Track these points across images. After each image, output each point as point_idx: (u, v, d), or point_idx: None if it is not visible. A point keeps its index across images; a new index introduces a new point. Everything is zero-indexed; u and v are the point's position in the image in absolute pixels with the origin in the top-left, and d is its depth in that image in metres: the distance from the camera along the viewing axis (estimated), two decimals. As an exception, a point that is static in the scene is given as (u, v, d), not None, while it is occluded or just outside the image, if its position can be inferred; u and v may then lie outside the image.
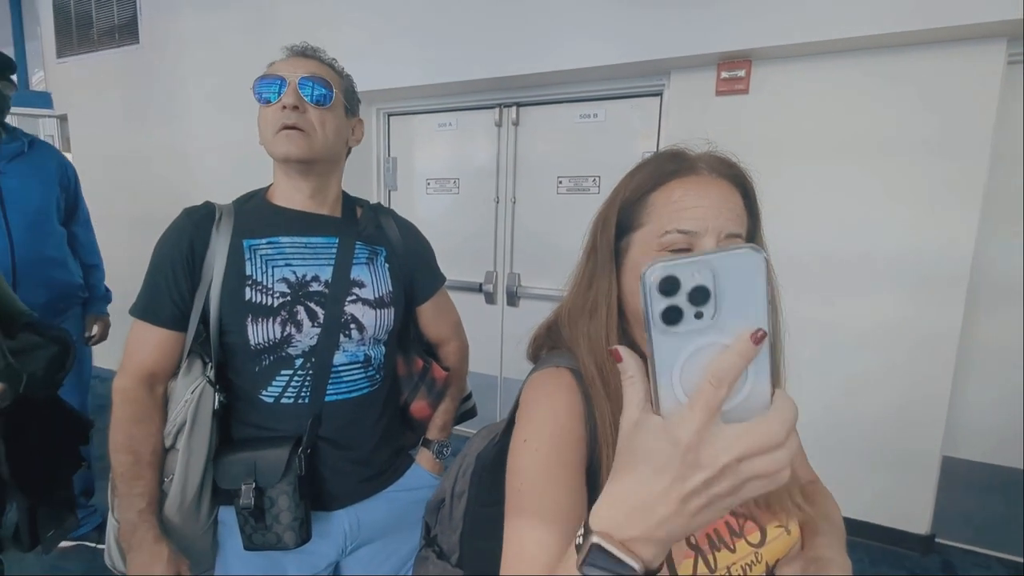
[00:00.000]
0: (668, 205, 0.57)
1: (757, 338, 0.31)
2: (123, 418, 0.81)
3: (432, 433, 1.07)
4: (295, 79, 0.84)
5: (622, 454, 0.36)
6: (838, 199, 2.02)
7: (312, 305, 0.86)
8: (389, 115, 3.02)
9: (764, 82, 2.07)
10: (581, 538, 0.36)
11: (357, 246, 0.93)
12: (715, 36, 2.00)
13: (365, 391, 0.93)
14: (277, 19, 2.97)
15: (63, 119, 3.95)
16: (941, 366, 1.98)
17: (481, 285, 2.87)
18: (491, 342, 2.90)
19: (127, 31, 3.50)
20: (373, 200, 1.08)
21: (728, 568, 0.53)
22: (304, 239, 0.89)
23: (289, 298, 0.85)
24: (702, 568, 0.53)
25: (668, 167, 0.59)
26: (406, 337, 1.05)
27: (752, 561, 0.56)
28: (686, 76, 2.21)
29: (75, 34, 3.74)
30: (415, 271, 1.02)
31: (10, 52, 4.16)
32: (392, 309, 0.95)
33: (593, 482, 0.54)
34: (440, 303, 1.08)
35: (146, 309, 0.83)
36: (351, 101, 0.95)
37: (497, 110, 2.71)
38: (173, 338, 0.84)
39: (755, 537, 0.57)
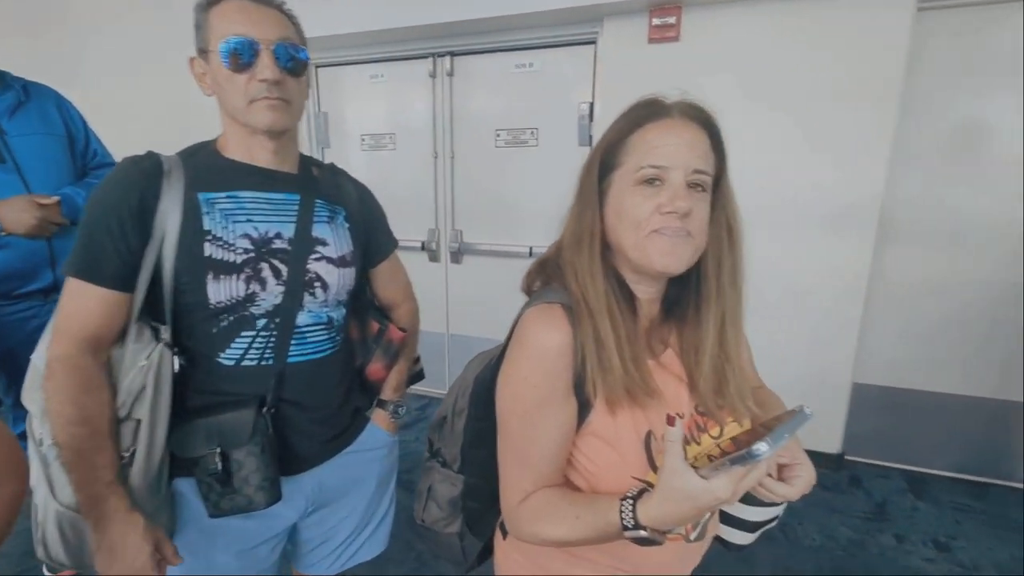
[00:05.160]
0: (643, 145, 0.65)
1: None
2: (70, 389, 0.74)
3: (387, 394, 1.07)
4: (269, 45, 0.78)
5: (666, 489, 0.55)
6: (764, 145, 2.10)
7: (276, 262, 0.83)
8: (317, 66, 2.85)
9: (694, 29, 2.09)
10: (631, 522, 0.57)
11: (318, 204, 0.90)
12: (646, -20, 1.99)
13: (328, 352, 0.92)
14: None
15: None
16: (852, 301, 2.15)
17: (424, 243, 2.84)
18: (436, 301, 2.90)
19: None
20: None
21: (695, 458, 0.64)
22: (265, 195, 0.85)
23: (253, 255, 0.81)
24: None
25: (643, 112, 0.67)
26: (360, 300, 1.04)
27: (714, 450, 0.68)
28: (619, 23, 2.19)
29: None
30: (371, 233, 1.01)
31: None
32: (353, 269, 0.94)
33: (579, 393, 0.66)
34: (393, 265, 1.08)
35: (87, 268, 0.75)
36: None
37: (431, 60, 2.61)
38: (118, 299, 0.77)
39: (715, 431, 0.70)
